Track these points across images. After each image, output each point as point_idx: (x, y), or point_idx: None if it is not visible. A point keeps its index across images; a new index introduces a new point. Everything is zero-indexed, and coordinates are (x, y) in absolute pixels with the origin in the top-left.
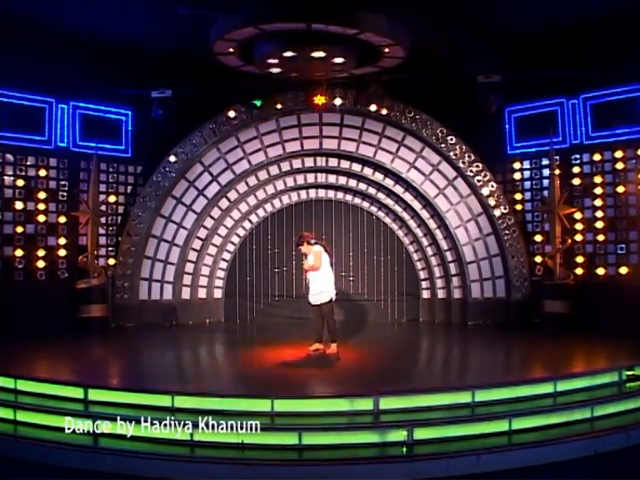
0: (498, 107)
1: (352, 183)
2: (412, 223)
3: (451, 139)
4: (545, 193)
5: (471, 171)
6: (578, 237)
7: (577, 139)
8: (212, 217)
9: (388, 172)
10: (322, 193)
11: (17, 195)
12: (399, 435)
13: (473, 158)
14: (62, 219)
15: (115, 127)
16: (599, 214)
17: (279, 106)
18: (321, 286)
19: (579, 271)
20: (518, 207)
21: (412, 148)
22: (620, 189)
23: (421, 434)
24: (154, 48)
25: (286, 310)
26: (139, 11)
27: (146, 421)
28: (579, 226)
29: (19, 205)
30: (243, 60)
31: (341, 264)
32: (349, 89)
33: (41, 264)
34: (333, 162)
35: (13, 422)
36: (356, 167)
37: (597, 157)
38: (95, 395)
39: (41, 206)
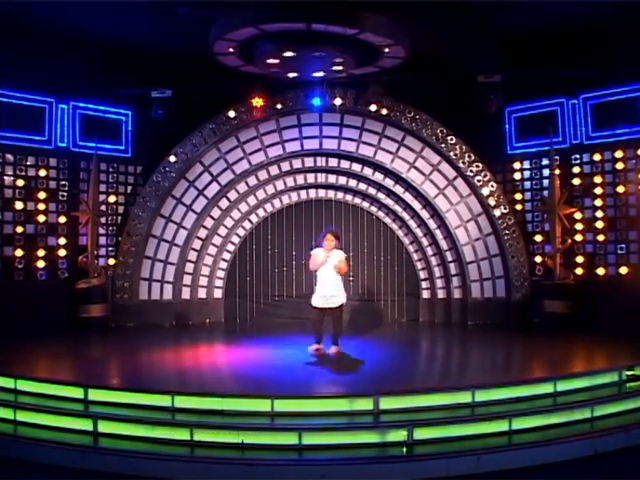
0: (498, 107)
1: (352, 183)
2: (412, 223)
3: (451, 139)
4: (545, 193)
5: (471, 171)
6: (578, 237)
7: (577, 139)
8: (212, 217)
9: (388, 172)
10: (322, 193)
11: (17, 195)
12: (399, 435)
13: (473, 158)
14: (62, 219)
15: (115, 127)
16: (599, 214)
17: (279, 106)
18: (335, 290)
19: (579, 271)
20: (518, 207)
21: (412, 148)
22: (620, 189)
23: (421, 434)
24: (154, 48)
25: (286, 310)
26: (139, 11)
27: (146, 421)
28: (579, 226)
29: (19, 205)
30: (243, 60)
31: None
32: (349, 89)
33: (41, 264)
34: (333, 162)
35: (13, 422)
36: (356, 167)
37: (597, 157)
38: (95, 395)
39: (41, 206)
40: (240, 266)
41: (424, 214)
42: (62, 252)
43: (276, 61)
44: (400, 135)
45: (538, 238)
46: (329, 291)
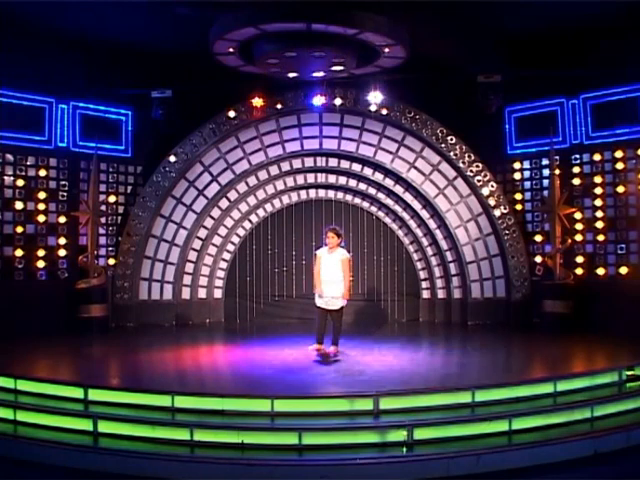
0: (498, 107)
1: (352, 183)
2: (412, 223)
3: (451, 139)
4: (545, 193)
5: (471, 171)
6: (578, 237)
7: (577, 139)
8: (212, 217)
9: (388, 172)
10: (322, 193)
11: (17, 195)
12: (399, 435)
13: (473, 158)
14: (62, 219)
15: (115, 127)
16: (599, 214)
17: (279, 106)
18: (337, 291)
19: (579, 271)
20: (518, 207)
21: (412, 148)
22: (620, 189)
23: (421, 434)
24: (154, 48)
25: (286, 310)
26: (139, 11)
27: (146, 421)
28: (579, 226)
29: (19, 205)
30: (243, 60)
31: None
32: (349, 89)
33: (41, 264)
34: (333, 162)
35: (13, 422)
36: (356, 167)
37: (597, 157)
38: (95, 395)
39: (41, 206)
40: (240, 266)
41: (424, 214)
42: (62, 252)
43: (276, 61)
44: (400, 135)
45: (538, 238)
46: (330, 292)
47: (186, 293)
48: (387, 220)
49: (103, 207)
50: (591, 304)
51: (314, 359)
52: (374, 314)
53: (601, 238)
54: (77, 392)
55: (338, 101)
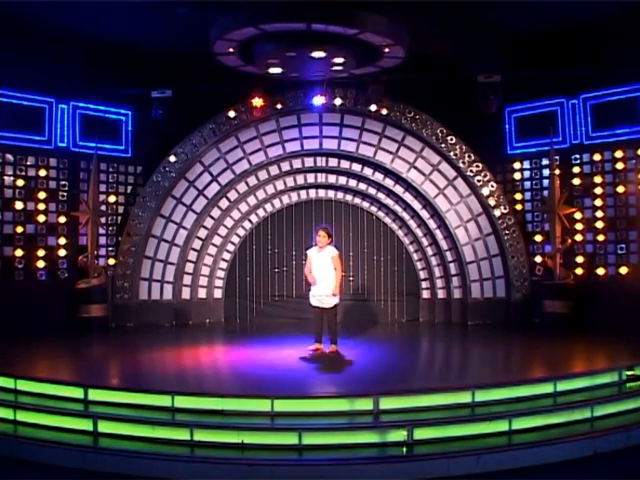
0: (498, 107)
1: (352, 183)
2: (412, 223)
3: (451, 139)
4: (545, 193)
5: (471, 171)
6: (578, 237)
7: (577, 139)
8: (212, 217)
9: (388, 172)
10: (322, 193)
11: (17, 195)
12: (399, 435)
13: (473, 158)
14: (62, 219)
15: (115, 127)
16: (599, 214)
17: (279, 106)
18: (329, 289)
19: (579, 271)
20: (518, 207)
21: (412, 148)
22: (620, 189)
23: (421, 434)
24: (154, 48)
25: (286, 310)
26: (139, 11)
27: (146, 421)
28: (579, 226)
29: (19, 205)
30: (243, 60)
31: None
32: (349, 89)
33: (41, 264)
34: (333, 162)
35: (13, 422)
36: (356, 167)
37: (597, 157)
38: (95, 395)
39: (41, 206)
40: (240, 266)
41: (424, 214)
42: (62, 252)
43: (276, 61)
44: (400, 135)
45: (538, 238)
46: (322, 291)
47: (186, 293)
48: (387, 220)
49: (103, 207)
50: (591, 304)
51: (314, 359)
52: (374, 314)
53: (601, 238)
54: (77, 392)
55: (338, 101)
